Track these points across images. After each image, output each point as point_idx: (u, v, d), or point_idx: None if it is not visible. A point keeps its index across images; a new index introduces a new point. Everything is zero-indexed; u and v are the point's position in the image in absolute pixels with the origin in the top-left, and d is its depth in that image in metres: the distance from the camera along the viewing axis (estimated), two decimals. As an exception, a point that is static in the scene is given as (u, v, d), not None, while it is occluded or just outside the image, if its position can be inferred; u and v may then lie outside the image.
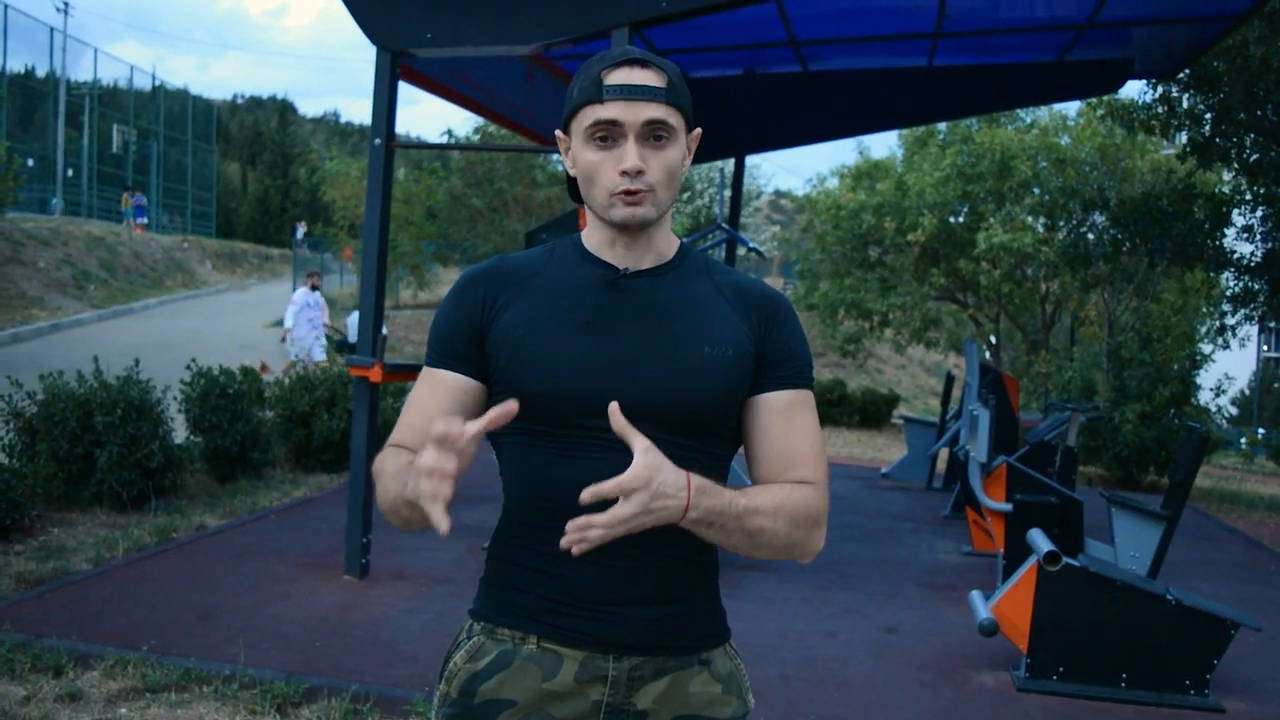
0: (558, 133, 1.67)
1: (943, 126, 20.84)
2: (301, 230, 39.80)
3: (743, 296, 1.67)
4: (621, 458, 1.47)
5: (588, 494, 1.37)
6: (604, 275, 1.62)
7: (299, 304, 15.33)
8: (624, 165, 1.54)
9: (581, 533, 1.38)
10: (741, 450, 1.71)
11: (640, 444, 1.41)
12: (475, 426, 1.35)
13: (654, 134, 1.55)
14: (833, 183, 23.57)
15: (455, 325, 1.63)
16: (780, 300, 1.69)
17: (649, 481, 1.39)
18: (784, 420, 1.64)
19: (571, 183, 1.67)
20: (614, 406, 1.41)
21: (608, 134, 1.55)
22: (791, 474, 1.63)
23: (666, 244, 1.67)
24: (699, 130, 1.67)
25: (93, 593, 5.32)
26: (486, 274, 1.66)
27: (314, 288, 15.71)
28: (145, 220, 30.44)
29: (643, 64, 1.56)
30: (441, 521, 1.32)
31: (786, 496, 1.57)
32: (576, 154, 1.60)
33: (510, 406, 1.37)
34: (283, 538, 6.77)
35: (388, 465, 1.54)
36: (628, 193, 1.55)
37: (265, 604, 5.32)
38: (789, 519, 1.56)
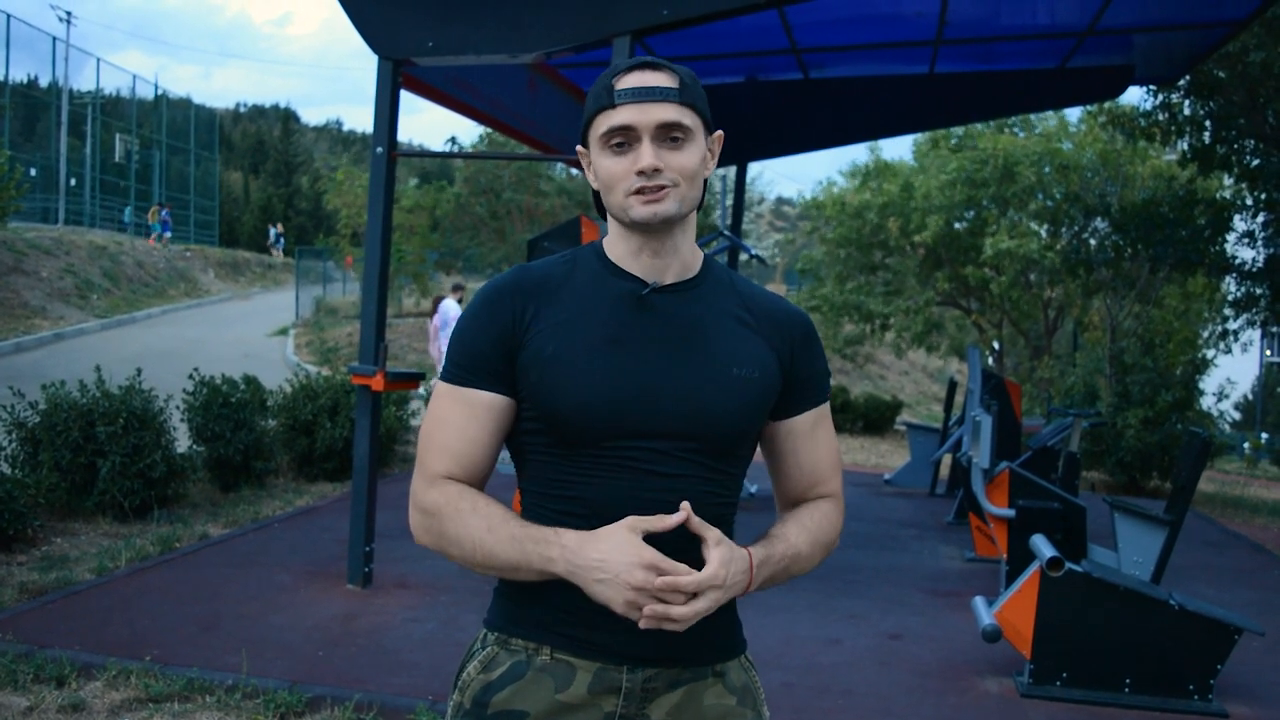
0: (579, 148, 1.66)
1: (957, 131, 20.85)
2: (274, 231, 39.64)
3: (769, 317, 1.67)
4: (645, 479, 1.52)
5: (664, 584, 1.44)
6: (631, 290, 1.60)
7: (456, 316, 13.75)
8: (639, 165, 1.52)
9: (659, 620, 1.45)
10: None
11: (712, 536, 1.50)
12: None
13: (669, 135, 1.54)
14: (841, 184, 23.54)
15: (486, 339, 1.60)
16: (805, 322, 1.71)
17: (724, 580, 1.48)
18: (810, 441, 1.70)
19: (599, 198, 1.66)
20: (685, 506, 1.50)
21: (623, 139, 1.54)
22: (816, 490, 1.71)
23: (692, 255, 1.65)
24: (720, 133, 1.67)
25: (95, 603, 5.32)
26: (514, 285, 1.62)
27: (459, 301, 15.02)
28: (170, 234, 30.61)
29: (654, 67, 1.56)
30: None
31: (818, 526, 1.67)
32: (596, 164, 1.59)
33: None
34: (285, 547, 6.77)
35: (469, 518, 1.56)
36: (644, 189, 1.53)
37: (268, 613, 5.32)
38: (824, 547, 1.68)
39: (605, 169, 1.57)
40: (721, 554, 1.48)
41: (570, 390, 1.53)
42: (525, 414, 1.61)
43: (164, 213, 31.12)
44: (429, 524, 1.59)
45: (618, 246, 1.63)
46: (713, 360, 1.58)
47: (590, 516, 1.53)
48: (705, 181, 1.64)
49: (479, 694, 1.59)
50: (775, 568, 1.58)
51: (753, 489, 8.89)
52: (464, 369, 1.61)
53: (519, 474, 1.66)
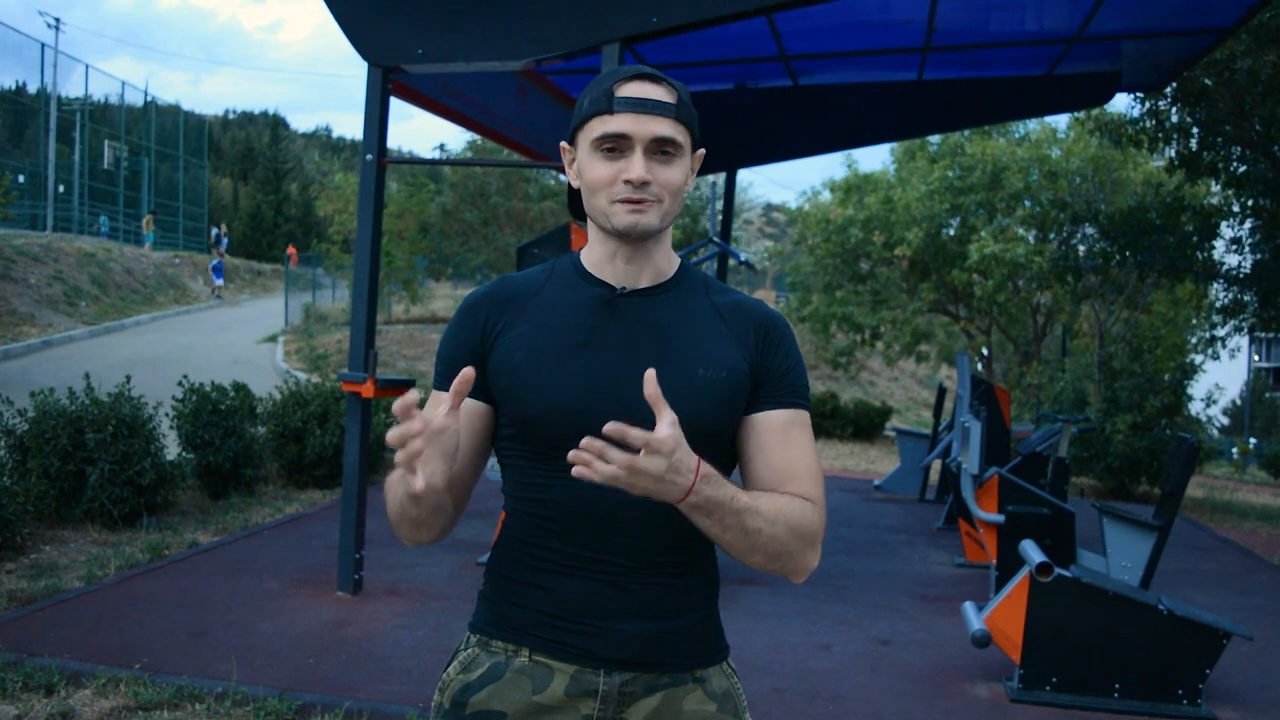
0: (563, 144, 1.67)
1: (935, 139, 20.92)
2: (216, 231, 39.41)
3: (739, 316, 1.66)
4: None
5: (613, 428, 1.33)
6: (601, 295, 1.62)
7: None
8: (629, 174, 1.53)
9: (592, 464, 1.34)
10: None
11: (668, 416, 1.38)
12: (439, 414, 1.39)
13: (661, 149, 1.55)
14: (825, 196, 23.62)
15: (459, 350, 1.64)
16: (777, 320, 1.69)
17: (672, 450, 1.37)
18: (780, 438, 1.63)
19: (572, 197, 1.67)
20: (650, 373, 1.38)
21: (616, 146, 1.55)
22: (787, 489, 1.61)
23: (666, 262, 1.66)
24: (702, 151, 1.67)
25: (85, 611, 5.30)
26: (487, 297, 1.67)
27: None
28: (221, 282, 29.72)
29: (654, 80, 1.57)
30: (415, 482, 1.35)
31: (788, 504, 1.55)
32: (582, 165, 1.60)
33: (469, 373, 1.37)
34: (275, 554, 6.75)
35: (393, 481, 1.56)
36: (630, 200, 1.54)
37: (258, 621, 5.30)
38: (788, 527, 1.54)
39: (593, 171, 1.57)
40: (675, 431, 1.37)
41: (538, 395, 1.56)
42: (501, 420, 1.64)
43: (217, 254, 30.22)
44: (389, 508, 1.59)
45: (593, 251, 1.65)
46: (680, 362, 1.58)
47: (564, 519, 1.56)
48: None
49: (458, 694, 1.61)
50: (724, 497, 1.46)
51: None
52: (442, 376, 1.66)
53: (503, 480, 1.68)
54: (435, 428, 1.37)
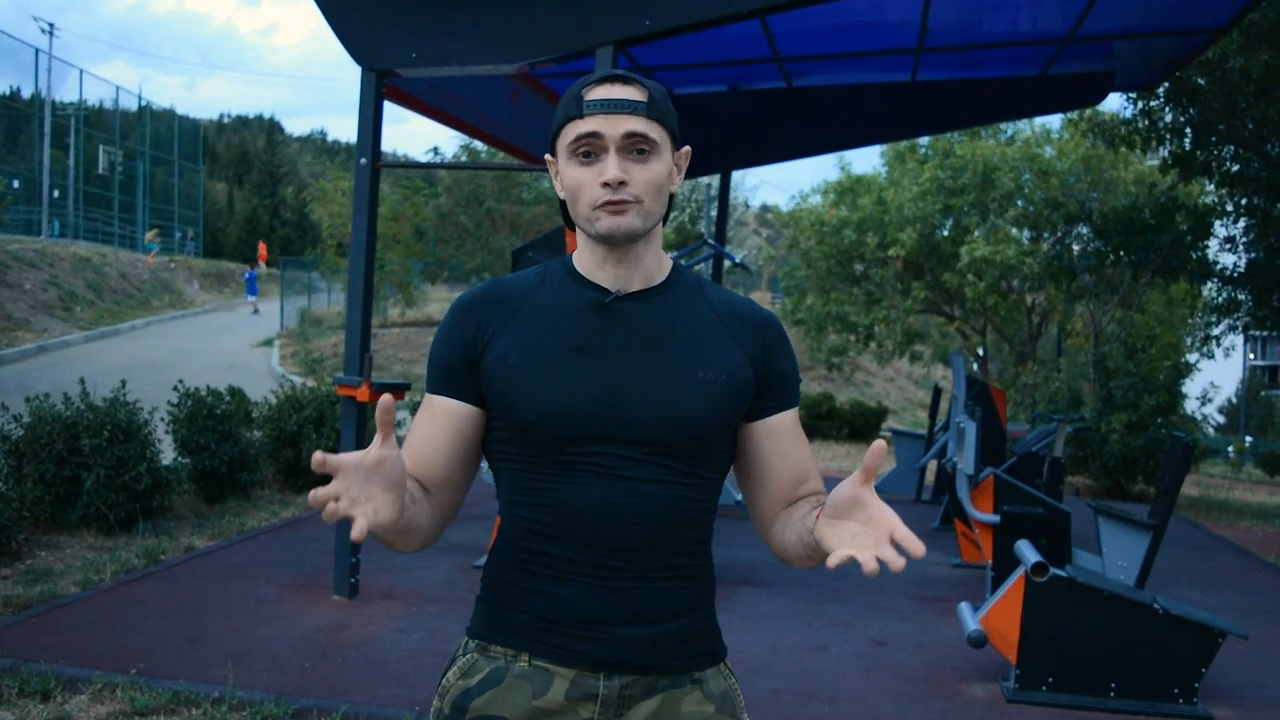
0: (547, 156, 1.68)
1: (924, 140, 20.94)
2: (180, 235, 39.25)
3: (738, 320, 1.68)
4: (614, 484, 1.53)
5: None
6: (595, 298, 1.62)
7: None
8: (604, 176, 1.54)
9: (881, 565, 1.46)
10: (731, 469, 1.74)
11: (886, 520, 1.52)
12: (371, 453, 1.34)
13: (636, 147, 1.55)
14: (815, 200, 23.66)
15: (451, 352, 1.64)
16: (775, 323, 1.72)
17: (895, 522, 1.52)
18: (791, 439, 1.70)
19: (564, 206, 1.68)
20: (880, 445, 1.42)
21: (590, 148, 1.56)
22: (804, 488, 1.69)
23: (657, 265, 1.66)
24: (688, 148, 1.68)
25: (80, 616, 5.30)
26: (480, 299, 1.66)
27: None
28: (256, 296, 29.23)
29: (624, 81, 1.58)
30: (354, 531, 1.30)
31: None
32: (563, 173, 1.61)
33: (387, 401, 1.33)
34: (271, 558, 6.75)
35: None
36: (610, 203, 1.54)
37: (254, 625, 5.30)
38: None
39: (571, 178, 1.58)
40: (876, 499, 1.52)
41: (534, 397, 1.55)
42: (494, 423, 1.63)
43: (248, 273, 29.82)
44: None
45: (584, 258, 1.66)
46: (678, 364, 1.59)
47: (561, 523, 1.55)
48: (671, 196, 1.66)
49: (458, 699, 1.61)
50: None
51: (738, 496, 8.90)
52: (434, 379, 1.66)
53: (496, 484, 1.67)
54: (369, 465, 1.33)
